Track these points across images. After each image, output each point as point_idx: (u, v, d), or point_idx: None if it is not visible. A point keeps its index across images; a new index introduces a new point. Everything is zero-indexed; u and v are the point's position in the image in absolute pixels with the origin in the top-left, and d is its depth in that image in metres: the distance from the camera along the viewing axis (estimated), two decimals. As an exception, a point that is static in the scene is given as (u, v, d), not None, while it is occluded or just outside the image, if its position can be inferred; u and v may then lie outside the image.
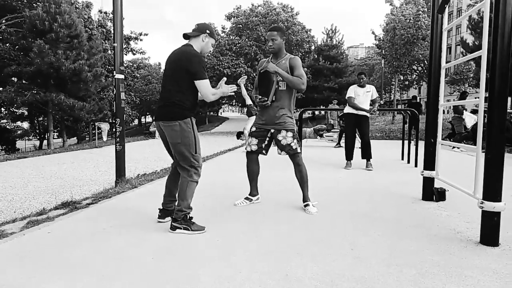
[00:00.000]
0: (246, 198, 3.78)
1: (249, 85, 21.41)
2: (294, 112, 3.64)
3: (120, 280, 2.04)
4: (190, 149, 2.82)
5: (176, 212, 2.85)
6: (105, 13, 30.36)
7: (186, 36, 2.94)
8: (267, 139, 3.57)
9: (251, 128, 3.69)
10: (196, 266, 2.23)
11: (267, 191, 4.29)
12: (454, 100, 32.96)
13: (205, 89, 2.78)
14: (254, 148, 3.58)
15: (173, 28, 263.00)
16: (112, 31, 6.16)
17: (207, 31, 2.93)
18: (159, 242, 2.66)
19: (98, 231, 2.93)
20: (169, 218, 3.10)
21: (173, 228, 2.83)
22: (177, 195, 2.93)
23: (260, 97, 3.43)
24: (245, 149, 3.70)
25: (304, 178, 3.53)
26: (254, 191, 3.80)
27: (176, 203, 2.90)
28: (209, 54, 3.43)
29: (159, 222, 3.11)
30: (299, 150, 3.49)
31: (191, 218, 2.89)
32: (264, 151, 3.62)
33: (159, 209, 3.18)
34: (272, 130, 3.50)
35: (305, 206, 3.51)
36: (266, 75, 3.43)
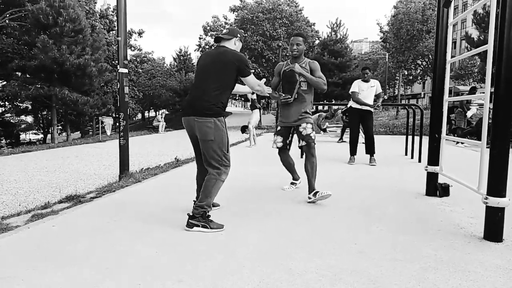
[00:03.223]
0: (292, 183, 4.21)
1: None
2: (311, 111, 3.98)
3: (123, 273, 2.06)
4: (223, 147, 2.80)
5: (195, 208, 2.78)
6: (108, 5, 30.46)
7: (218, 39, 3.04)
8: (290, 135, 3.96)
9: (276, 126, 4.03)
10: (200, 260, 2.24)
11: (269, 187, 4.29)
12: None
13: (253, 82, 2.96)
14: (280, 145, 3.96)
15: (172, 22, 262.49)
16: (115, 22, 6.15)
17: (238, 35, 3.06)
18: (163, 236, 2.67)
19: (102, 224, 2.95)
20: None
21: (190, 225, 2.76)
22: (201, 190, 2.85)
23: (283, 95, 3.79)
24: (272, 146, 4.04)
25: (314, 169, 3.71)
26: (295, 176, 4.22)
27: (198, 199, 2.83)
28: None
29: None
30: (316, 141, 3.81)
31: (209, 216, 2.83)
32: (288, 146, 4.01)
33: (194, 201, 3.10)
34: (295, 125, 3.84)
35: (315, 193, 3.55)
36: (291, 75, 3.77)
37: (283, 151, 4.02)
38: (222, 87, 2.82)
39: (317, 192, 3.54)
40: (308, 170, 3.69)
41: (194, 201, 3.10)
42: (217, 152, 2.78)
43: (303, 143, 3.76)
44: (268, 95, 3.36)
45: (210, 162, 2.82)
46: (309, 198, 3.59)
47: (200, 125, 2.77)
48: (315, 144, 3.76)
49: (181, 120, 2.99)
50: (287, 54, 27.28)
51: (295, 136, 3.93)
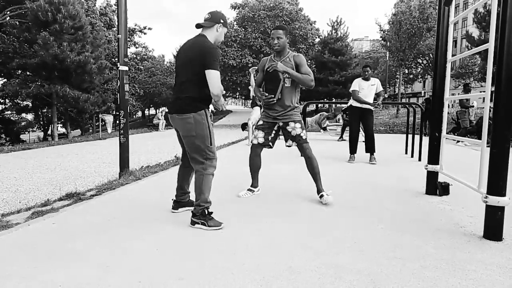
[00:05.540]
0: (249, 190, 3.84)
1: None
2: (299, 105, 3.67)
3: (123, 271, 2.06)
4: (205, 141, 2.76)
5: (194, 207, 2.81)
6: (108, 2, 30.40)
7: (199, 25, 2.83)
8: (274, 131, 3.63)
9: (257, 122, 3.66)
10: (200, 258, 2.25)
11: (270, 184, 4.29)
12: (459, 94, 32.72)
13: (214, 80, 2.63)
14: (261, 140, 3.62)
15: (173, 19, 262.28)
16: (116, 20, 6.14)
17: (221, 21, 2.84)
18: (163, 234, 2.67)
19: (102, 222, 2.95)
20: (182, 209, 3.16)
21: (192, 223, 2.81)
22: (194, 189, 2.85)
23: (266, 94, 3.52)
24: (251, 142, 3.71)
25: (316, 170, 3.55)
26: (255, 183, 3.86)
27: (195, 198, 2.84)
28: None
29: (172, 212, 3.16)
30: (308, 140, 3.56)
31: (211, 213, 2.83)
32: (270, 144, 3.66)
33: (172, 199, 3.19)
34: (280, 124, 3.57)
35: (320, 197, 3.52)
36: (274, 74, 3.48)
37: (258, 150, 3.67)
38: (196, 81, 2.70)
39: (322, 196, 3.50)
40: (310, 172, 3.58)
41: (172, 199, 3.20)
42: (200, 147, 2.76)
43: (294, 144, 3.57)
44: (221, 109, 3.08)
45: (194, 157, 2.79)
46: (320, 199, 3.54)
47: (181, 122, 2.75)
48: (307, 143, 3.55)
49: None
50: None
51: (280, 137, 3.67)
